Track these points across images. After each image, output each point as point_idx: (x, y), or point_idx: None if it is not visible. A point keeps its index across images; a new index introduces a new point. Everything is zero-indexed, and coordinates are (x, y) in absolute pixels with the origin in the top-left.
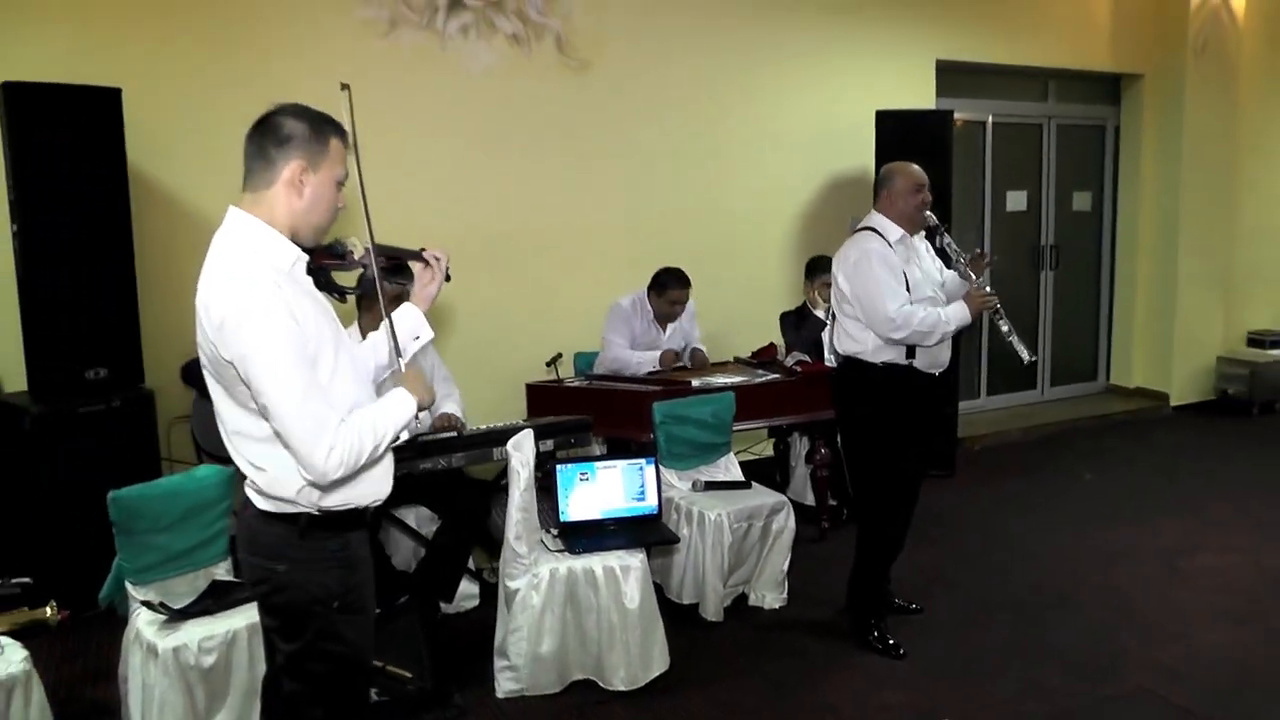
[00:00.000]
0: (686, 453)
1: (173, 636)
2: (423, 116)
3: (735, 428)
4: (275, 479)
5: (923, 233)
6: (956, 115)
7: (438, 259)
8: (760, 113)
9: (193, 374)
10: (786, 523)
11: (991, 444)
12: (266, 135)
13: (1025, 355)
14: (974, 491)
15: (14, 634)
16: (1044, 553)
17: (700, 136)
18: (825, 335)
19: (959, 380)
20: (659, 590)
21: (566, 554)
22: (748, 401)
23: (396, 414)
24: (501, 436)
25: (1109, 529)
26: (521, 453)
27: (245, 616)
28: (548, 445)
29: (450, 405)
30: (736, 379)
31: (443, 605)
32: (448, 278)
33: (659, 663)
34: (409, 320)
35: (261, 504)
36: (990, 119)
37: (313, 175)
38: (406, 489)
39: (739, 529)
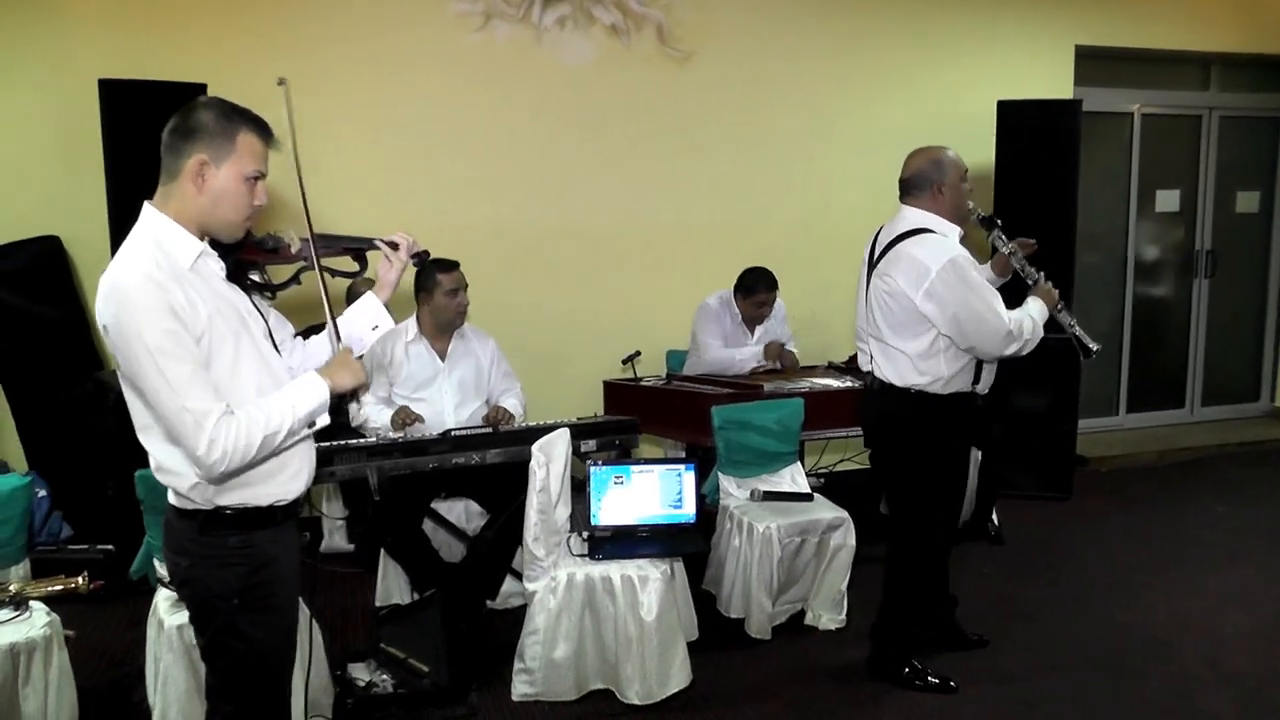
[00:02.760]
0: (748, 460)
1: (180, 615)
2: (518, 111)
3: (809, 436)
4: (172, 475)
5: None
6: (1099, 107)
7: (395, 246)
8: (871, 105)
9: None
10: (845, 539)
11: (1121, 466)
12: (177, 128)
13: (1092, 346)
14: (1086, 518)
15: (50, 600)
16: (1148, 592)
17: (806, 131)
18: (864, 362)
19: (1077, 395)
20: (710, 601)
21: (588, 559)
22: (823, 409)
23: (299, 401)
24: (540, 434)
25: (1230, 570)
26: (544, 453)
27: None
28: (589, 445)
29: (510, 400)
30: (818, 384)
31: (488, 602)
32: (421, 259)
33: (678, 679)
34: (367, 310)
35: (171, 498)
36: (1138, 110)
37: (215, 170)
38: (451, 482)
39: (790, 544)
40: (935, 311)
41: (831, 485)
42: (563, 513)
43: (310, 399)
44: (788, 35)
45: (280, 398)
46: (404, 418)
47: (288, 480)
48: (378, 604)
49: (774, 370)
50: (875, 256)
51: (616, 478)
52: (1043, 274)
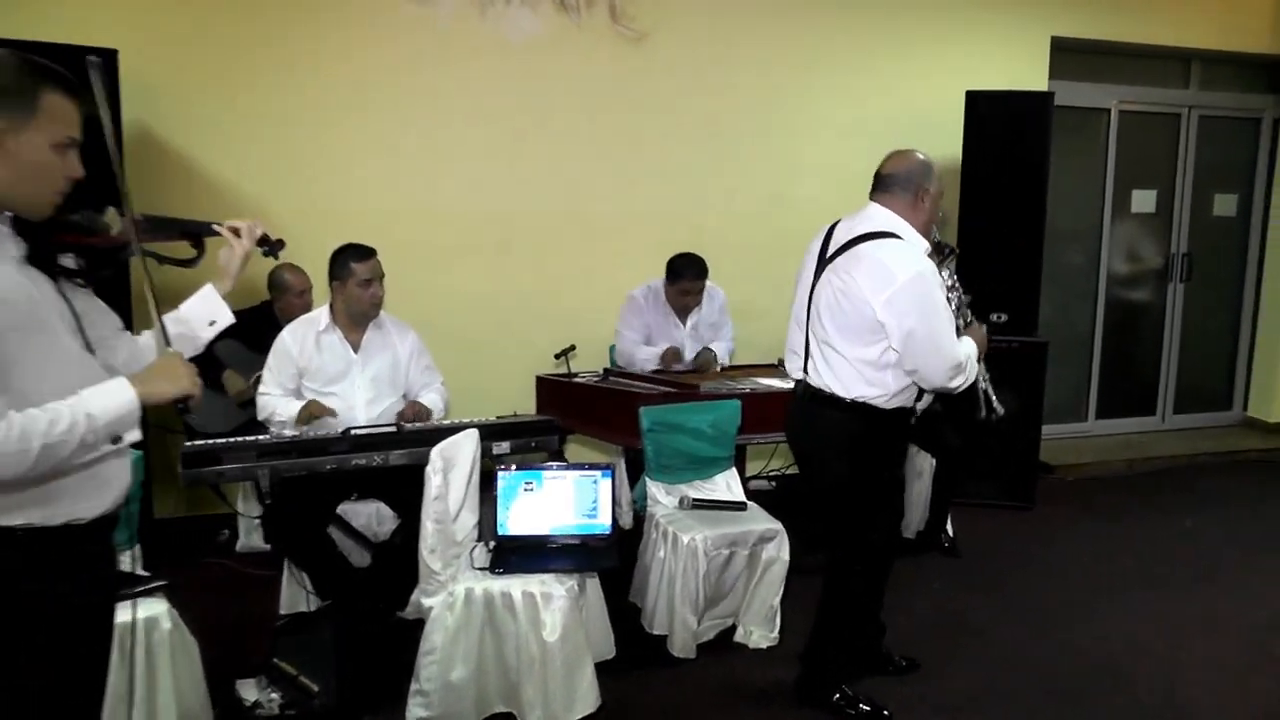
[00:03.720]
0: (678, 465)
1: None
2: (459, 90)
3: (749, 440)
4: None
5: None
6: (1075, 101)
7: (236, 231)
8: (834, 92)
9: None
10: (779, 552)
11: (1089, 475)
12: None
13: (999, 409)
14: (1048, 529)
15: None
16: (1108, 613)
17: (765, 118)
18: (794, 367)
19: (1042, 399)
20: (635, 616)
21: (489, 573)
22: (766, 411)
23: (97, 409)
24: (449, 435)
25: (1199, 591)
26: (443, 457)
27: (141, 609)
28: (502, 448)
29: (429, 396)
30: (761, 385)
31: (400, 612)
32: (272, 247)
33: (584, 703)
34: (204, 304)
35: None
36: (1115, 106)
37: (15, 137)
38: (360, 483)
39: (718, 556)
40: (891, 323)
41: (782, 491)
42: (467, 521)
43: (111, 408)
44: (747, 16)
45: (74, 403)
46: (312, 411)
47: (91, 493)
48: (281, 612)
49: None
50: (830, 252)
51: (526, 484)
52: (975, 319)
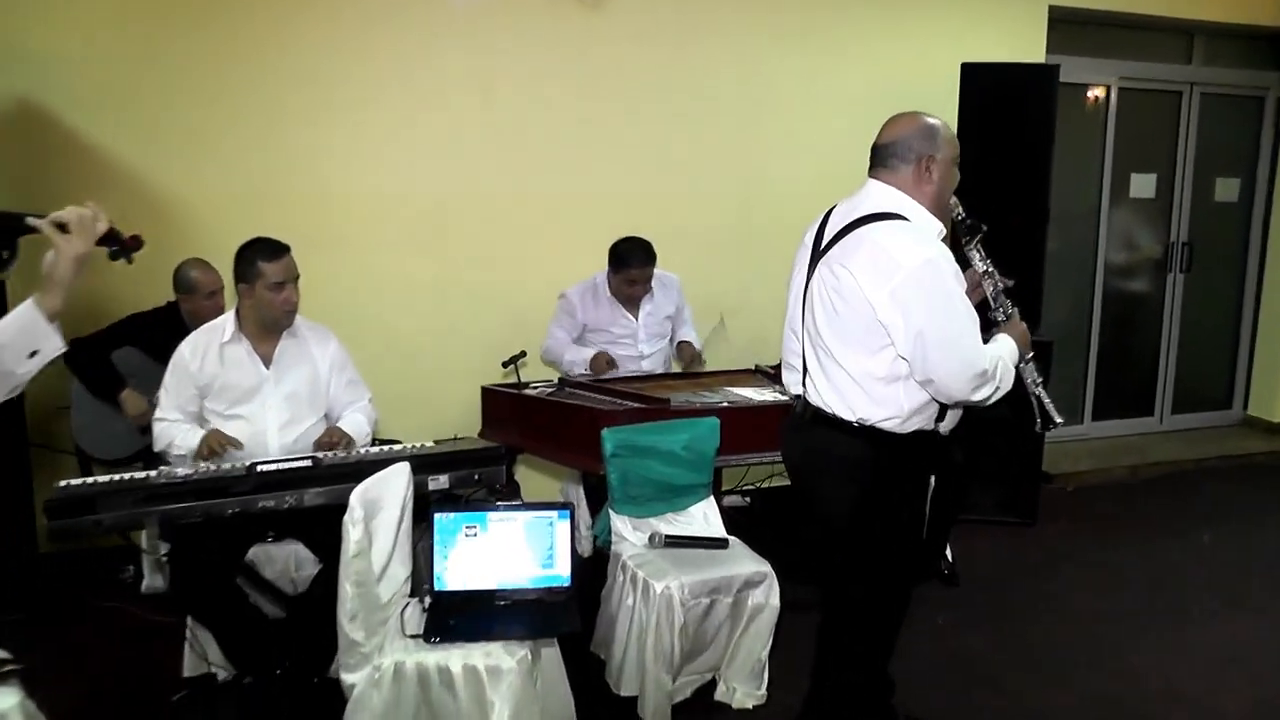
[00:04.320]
0: (648, 495)
1: None
2: (389, 59)
3: (728, 462)
4: None
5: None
6: (1071, 78)
7: (63, 225)
8: (815, 66)
9: (75, 358)
10: (768, 598)
11: (1090, 483)
12: None
13: (1056, 417)
14: (1054, 550)
15: None
16: (1132, 650)
17: (739, 92)
18: (791, 381)
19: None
20: (599, 669)
21: (423, 642)
22: (746, 427)
23: None
24: (375, 467)
25: (1228, 620)
26: (363, 504)
27: None
28: (439, 482)
29: (354, 417)
30: (739, 396)
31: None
32: (123, 247)
33: None
34: (21, 328)
35: None
36: (1115, 83)
37: None
38: (275, 524)
39: (696, 606)
40: (897, 323)
41: (760, 507)
42: (397, 574)
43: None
44: None
45: None
46: (213, 444)
47: None
48: (185, 674)
49: (634, 377)
50: (824, 242)
51: (468, 528)
52: (1016, 310)
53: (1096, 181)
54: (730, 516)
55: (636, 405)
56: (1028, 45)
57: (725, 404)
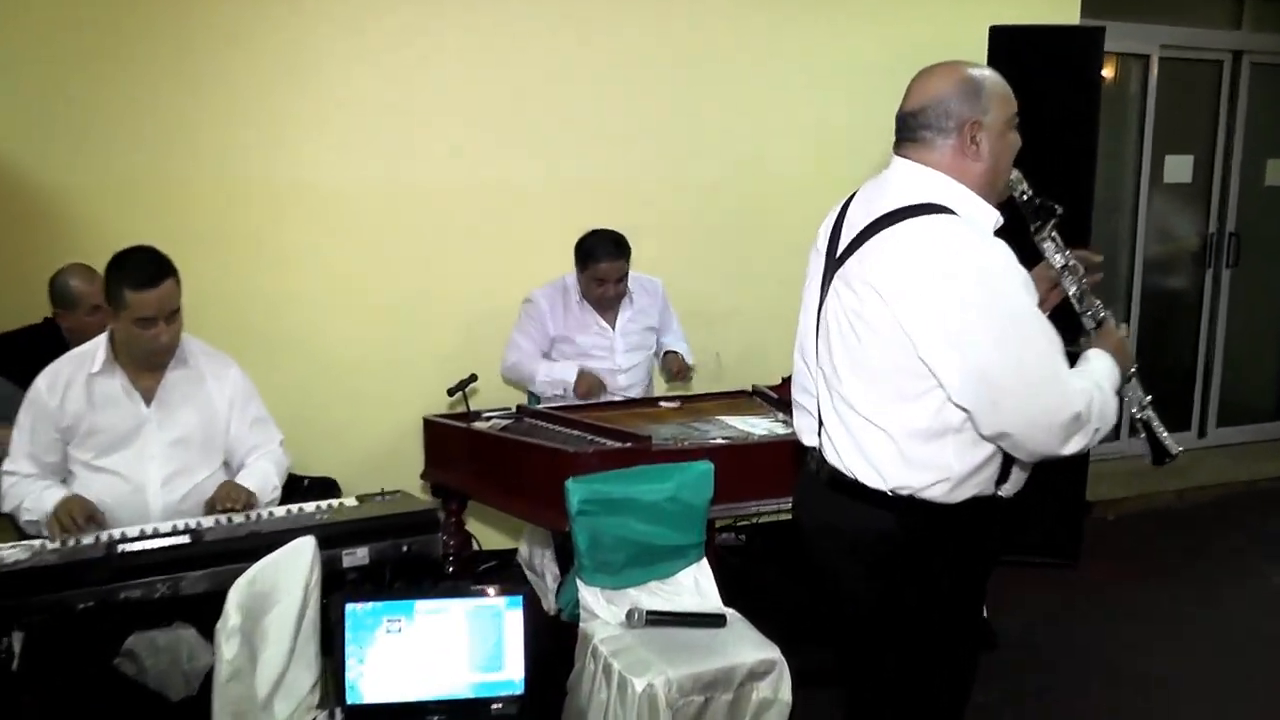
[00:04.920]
0: (624, 561)
1: None
2: (321, 24)
3: (725, 512)
4: None
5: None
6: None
7: None
8: (818, 31)
9: None
10: (776, 692)
11: (1133, 511)
12: None
13: (1174, 448)
14: (1102, 599)
15: None
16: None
17: (732, 62)
18: (804, 429)
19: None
20: None
21: None
22: (746, 468)
23: None
24: (275, 538)
25: None
26: (243, 607)
27: None
28: (356, 557)
29: (259, 467)
30: (736, 429)
31: None
32: None
33: None
34: None
35: None
36: (1156, 52)
37: None
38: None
39: (687, 706)
40: (948, 361)
41: (759, 547)
42: (299, 683)
43: None
44: None
45: None
46: (64, 519)
47: None
48: None
49: (623, 403)
50: (840, 247)
51: (390, 620)
52: (1109, 313)
53: (1131, 165)
54: (722, 559)
55: (609, 445)
56: (1061, 6)
57: (719, 440)
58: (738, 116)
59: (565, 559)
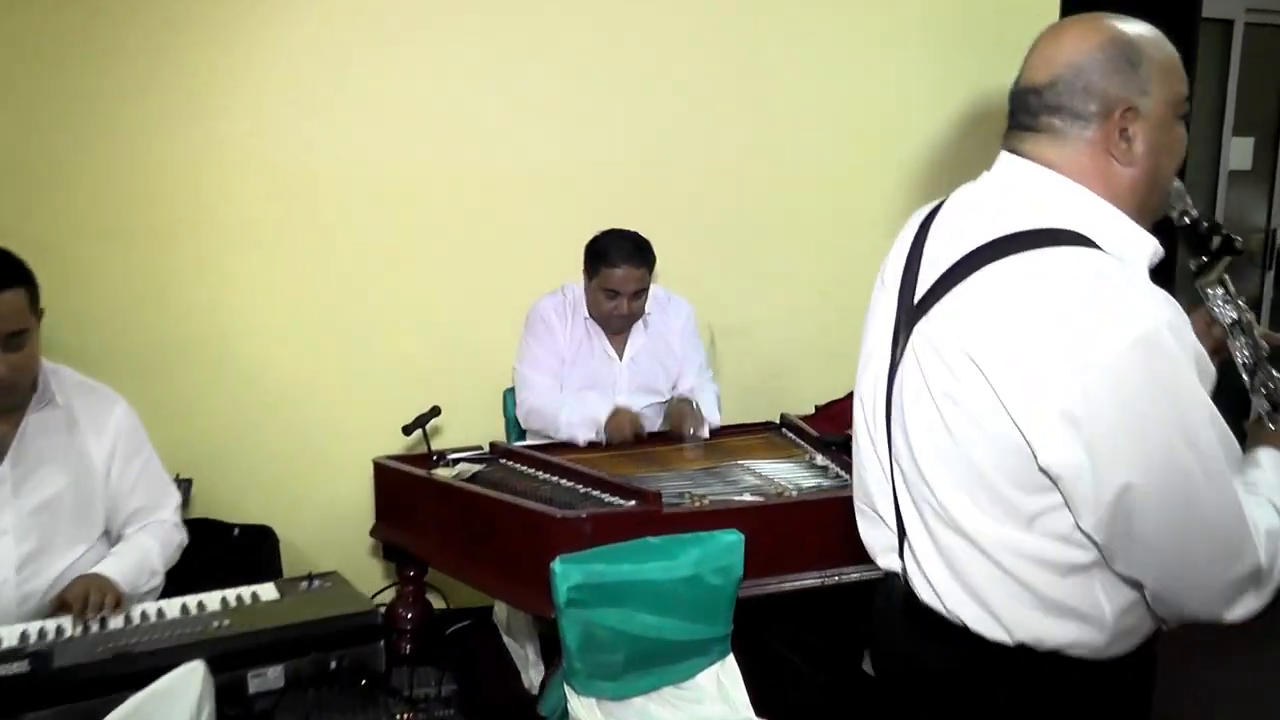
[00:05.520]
0: (625, 663)
1: None
2: None
3: (756, 589)
4: None
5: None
6: None
7: None
8: None
9: None
10: None
11: None
12: None
13: None
14: (1173, 678)
15: None
16: None
17: (751, 29)
18: (874, 541)
19: None
20: None
21: None
22: (782, 535)
23: None
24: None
25: None
26: None
27: None
28: (268, 679)
29: (138, 544)
30: (772, 474)
31: None
32: None
33: None
34: None
35: None
36: (1242, 17)
37: None
38: None
39: None
40: (1078, 469)
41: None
42: None
43: None
44: None
45: None
46: (81, 597)
47: None
48: None
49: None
50: (920, 288)
51: None
52: None
53: (1211, 147)
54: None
55: (607, 505)
56: None
57: (749, 498)
58: (754, 88)
59: (550, 646)
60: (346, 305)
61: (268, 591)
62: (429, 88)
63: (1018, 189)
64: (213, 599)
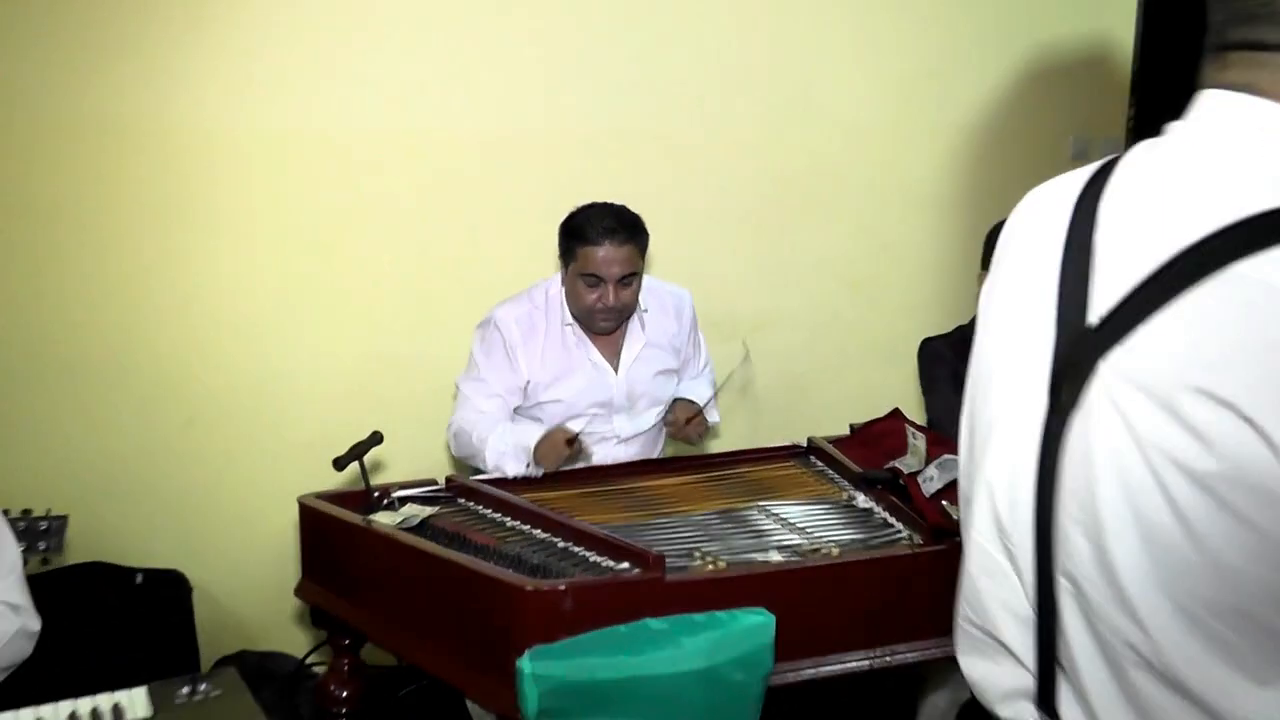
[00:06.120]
0: None
1: None
2: None
3: (788, 675)
4: None
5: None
6: None
7: None
8: None
9: None
10: None
11: None
12: None
13: None
14: None
15: None
16: None
17: None
18: (991, 686)
19: None
20: None
21: None
22: (817, 604)
23: None
24: None
25: None
26: None
27: None
28: None
29: None
30: (802, 521)
31: None
32: None
33: None
34: None
35: None
36: None
37: None
38: None
39: None
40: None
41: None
42: None
43: None
44: None
45: None
46: None
47: None
48: None
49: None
50: (1104, 297)
51: None
52: None
53: None
54: None
55: (596, 570)
56: None
57: (777, 558)
58: (774, 37)
59: None
60: (274, 304)
61: (137, 708)
62: (384, 46)
63: (1254, 145)
64: (59, 714)
